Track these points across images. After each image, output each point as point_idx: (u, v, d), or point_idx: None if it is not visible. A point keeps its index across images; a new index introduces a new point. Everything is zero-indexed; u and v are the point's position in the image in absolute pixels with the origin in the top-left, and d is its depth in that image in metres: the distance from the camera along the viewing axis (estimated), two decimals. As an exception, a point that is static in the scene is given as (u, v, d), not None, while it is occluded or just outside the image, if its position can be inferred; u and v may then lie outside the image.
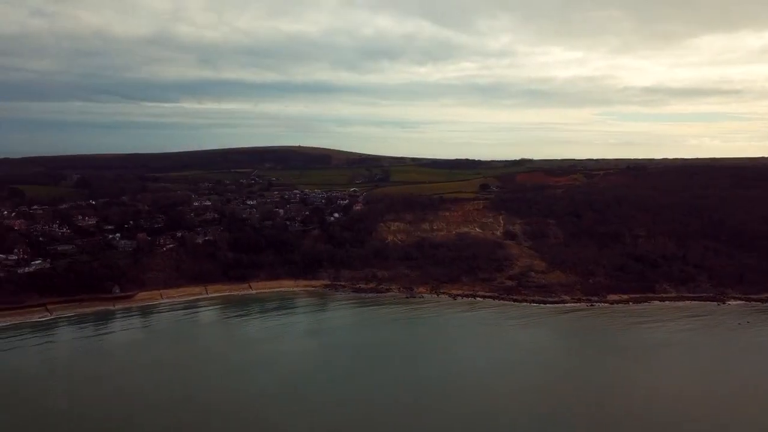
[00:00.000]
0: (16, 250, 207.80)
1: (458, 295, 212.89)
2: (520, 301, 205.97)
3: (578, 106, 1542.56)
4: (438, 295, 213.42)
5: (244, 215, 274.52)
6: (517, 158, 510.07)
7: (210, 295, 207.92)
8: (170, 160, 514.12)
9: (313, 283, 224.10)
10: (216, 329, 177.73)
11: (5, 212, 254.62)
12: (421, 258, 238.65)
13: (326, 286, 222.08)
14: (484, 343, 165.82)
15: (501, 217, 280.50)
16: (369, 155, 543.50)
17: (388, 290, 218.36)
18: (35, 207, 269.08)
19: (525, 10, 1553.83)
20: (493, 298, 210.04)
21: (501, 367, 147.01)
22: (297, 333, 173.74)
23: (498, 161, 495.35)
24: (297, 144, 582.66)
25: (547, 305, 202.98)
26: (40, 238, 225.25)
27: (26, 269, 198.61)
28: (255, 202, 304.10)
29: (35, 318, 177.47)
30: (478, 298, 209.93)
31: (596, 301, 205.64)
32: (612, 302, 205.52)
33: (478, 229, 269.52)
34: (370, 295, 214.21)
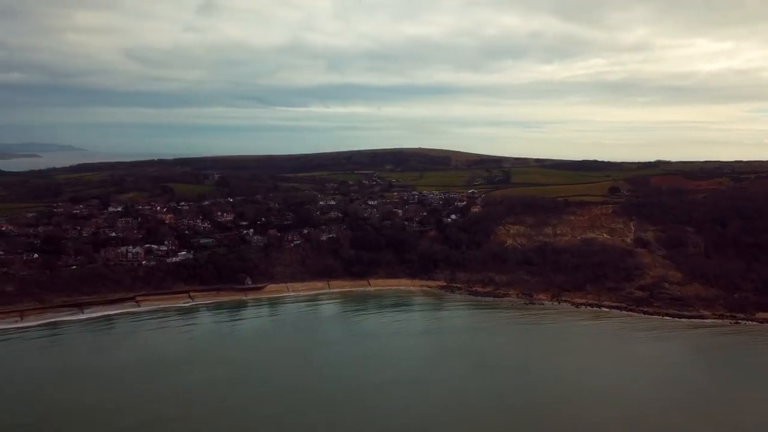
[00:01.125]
0: (166, 242, 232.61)
1: (581, 303, 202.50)
2: (651, 314, 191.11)
3: (725, 102, 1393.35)
4: (559, 303, 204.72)
5: (365, 215, 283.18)
6: (652, 160, 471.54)
7: (331, 290, 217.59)
8: (299, 162, 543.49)
9: (429, 283, 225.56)
10: (335, 322, 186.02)
11: (158, 207, 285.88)
12: (542, 263, 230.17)
13: (442, 287, 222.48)
14: (607, 356, 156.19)
15: (632, 222, 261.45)
16: (489, 156, 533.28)
17: (505, 295, 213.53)
18: (182, 203, 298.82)
19: (663, 1, 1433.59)
20: (621, 309, 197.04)
21: (625, 384, 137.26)
22: (412, 331, 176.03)
23: (630, 163, 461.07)
24: (417, 146, 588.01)
25: (682, 319, 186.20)
26: (186, 232, 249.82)
27: (173, 259, 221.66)
28: (376, 202, 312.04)
29: (180, 303, 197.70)
30: (603, 308, 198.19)
31: (742, 319, 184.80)
32: (762, 321, 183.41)
33: (605, 235, 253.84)
34: (487, 298, 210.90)
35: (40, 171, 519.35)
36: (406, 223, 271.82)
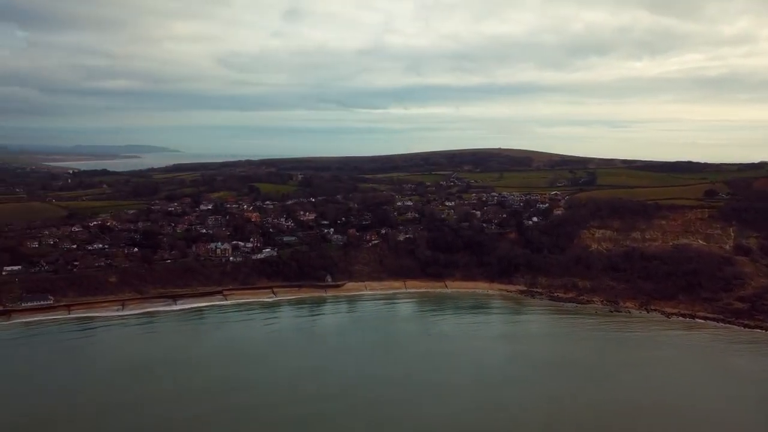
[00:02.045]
0: (252, 239, 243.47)
1: (673, 313, 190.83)
2: (753, 327, 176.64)
3: None
4: (648, 312, 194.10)
5: (442, 216, 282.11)
6: (756, 161, 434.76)
7: (408, 290, 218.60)
8: (378, 163, 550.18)
9: (508, 287, 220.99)
10: (412, 322, 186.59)
11: (245, 206, 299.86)
12: (630, 270, 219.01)
13: (521, 291, 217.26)
14: (704, 369, 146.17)
15: (731, 228, 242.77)
16: (573, 157, 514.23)
17: (589, 301, 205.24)
18: (267, 202, 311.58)
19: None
20: (717, 320, 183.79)
21: (729, 400, 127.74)
22: (488, 334, 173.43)
23: (729, 164, 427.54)
24: (497, 146, 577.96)
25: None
26: (270, 230, 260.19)
27: (258, 256, 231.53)
28: (453, 203, 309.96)
29: (264, 298, 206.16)
30: (697, 320, 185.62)
31: None
32: None
33: (701, 241, 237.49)
34: (569, 305, 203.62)
35: (140, 171, 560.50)
36: (484, 224, 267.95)
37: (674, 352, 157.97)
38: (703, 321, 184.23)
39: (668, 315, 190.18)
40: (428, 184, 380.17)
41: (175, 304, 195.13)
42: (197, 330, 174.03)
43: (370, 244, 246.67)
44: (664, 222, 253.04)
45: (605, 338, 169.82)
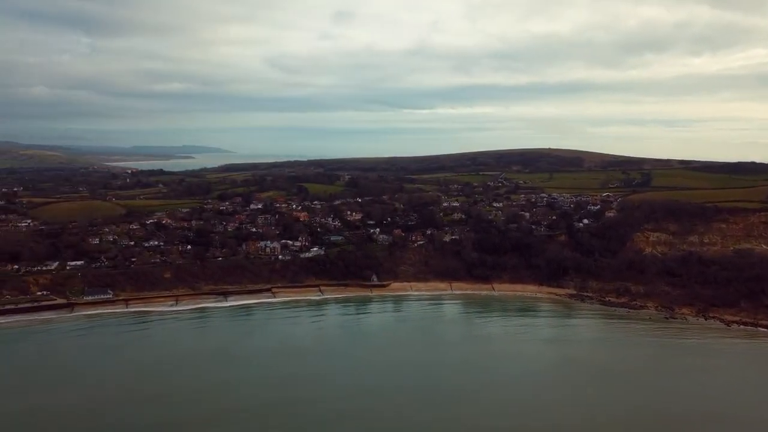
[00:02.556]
0: (300, 238, 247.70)
1: (733, 321, 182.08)
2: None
3: None
4: (706, 319, 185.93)
5: (489, 217, 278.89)
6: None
7: (454, 292, 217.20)
8: (424, 163, 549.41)
9: (557, 290, 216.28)
10: (458, 323, 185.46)
11: (294, 206, 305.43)
12: (686, 275, 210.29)
13: (571, 295, 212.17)
14: (762, 383, 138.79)
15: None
16: (626, 157, 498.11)
17: (642, 307, 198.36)
18: (315, 202, 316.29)
19: None
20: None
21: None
22: (536, 337, 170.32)
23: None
24: (547, 146, 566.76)
25: None
26: (318, 229, 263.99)
27: (306, 255, 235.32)
28: (501, 204, 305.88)
29: (311, 296, 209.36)
30: (760, 328, 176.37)
31: None
32: None
33: (765, 246, 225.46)
34: (621, 310, 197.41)
35: (193, 171, 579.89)
36: (533, 226, 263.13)
37: (734, 361, 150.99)
38: (766, 330, 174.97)
39: (728, 323, 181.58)
40: (475, 184, 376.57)
41: (226, 301, 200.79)
42: (247, 326, 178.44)
43: (416, 244, 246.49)
44: (724, 225, 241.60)
45: (659, 344, 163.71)
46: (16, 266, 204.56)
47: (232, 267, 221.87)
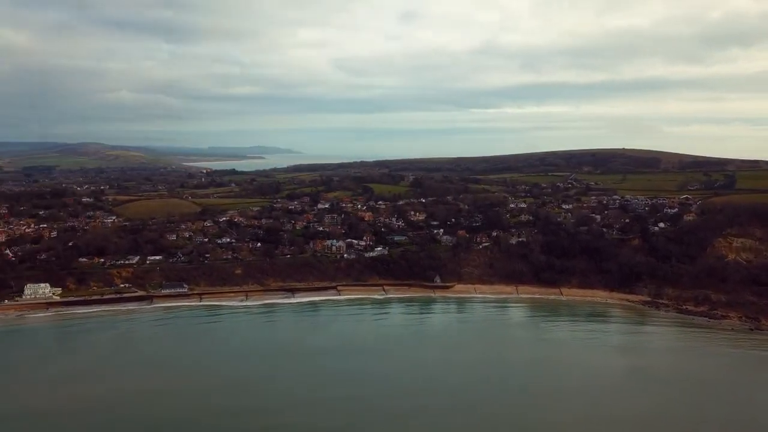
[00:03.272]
0: (364, 238, 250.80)
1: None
2: None
3: None
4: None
5: (558, 219, 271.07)
6: None
7: (519, 296, 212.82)
8: (490, 163, 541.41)
9: (630, 297, 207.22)
10: (524, 328, 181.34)
11: (359, 206, 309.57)
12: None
13: (645, 302, 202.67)
14: None
15: None
16: (708, 158, 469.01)
17: (724, 317, 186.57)
18: (380, 202, 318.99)
19: None
20: None
21: None
22: (605, 345, 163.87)
23: None
24: (621, 146, 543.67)
25: None
26: (382, 229, 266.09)
27: (370, 254, 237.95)
28: (570, 206, 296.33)
29: (375, 295, 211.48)
30: None
31: None
32: None
33: None
34: (700, 319, 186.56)
35: (264, 171, 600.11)
36: (604, 229, 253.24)
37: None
38: None
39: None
40: (544, 185, 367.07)
41: (293, 297, 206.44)
42: (313, 322, 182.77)
43: (481, 246, 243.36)
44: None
45: (742, 356, 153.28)
46: (102, 260, 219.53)
47: (300, 264, 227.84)
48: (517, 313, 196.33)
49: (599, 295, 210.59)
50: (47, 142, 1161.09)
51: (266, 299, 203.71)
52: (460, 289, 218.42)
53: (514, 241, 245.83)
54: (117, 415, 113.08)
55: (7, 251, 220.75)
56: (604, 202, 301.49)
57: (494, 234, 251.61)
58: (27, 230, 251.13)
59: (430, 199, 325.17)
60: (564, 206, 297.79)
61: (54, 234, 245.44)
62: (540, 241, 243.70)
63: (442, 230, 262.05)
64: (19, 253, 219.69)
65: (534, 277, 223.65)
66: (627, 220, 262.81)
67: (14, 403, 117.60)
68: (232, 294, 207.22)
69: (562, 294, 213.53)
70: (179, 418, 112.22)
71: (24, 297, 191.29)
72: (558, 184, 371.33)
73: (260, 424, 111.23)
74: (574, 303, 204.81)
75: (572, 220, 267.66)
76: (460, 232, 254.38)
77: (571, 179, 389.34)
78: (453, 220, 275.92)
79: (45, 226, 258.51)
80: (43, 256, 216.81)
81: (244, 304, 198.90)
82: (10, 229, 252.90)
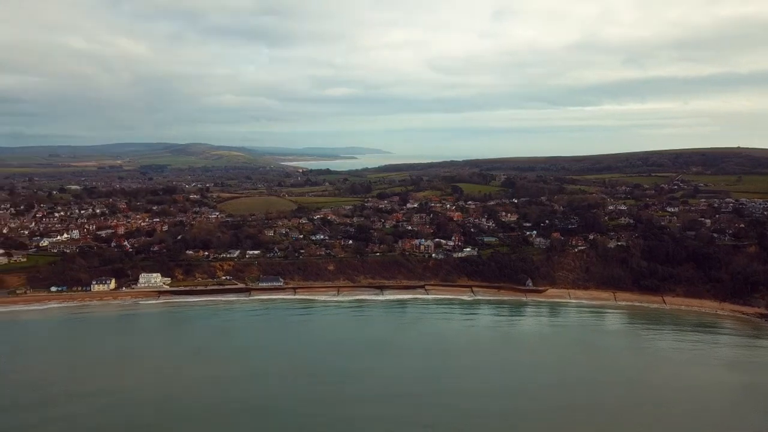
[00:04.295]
0: (453, 238, 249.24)
1: None
2: None
3: None
4: None
5: (662, 223, 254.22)
6: None
7: (618, 303, 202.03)
8: (587, 163, 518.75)
9: (744, 309, 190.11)
10: (620, 336, 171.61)
11: (448, 205, 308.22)
12: None
13: (762, 315, 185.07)
14: None
15: None
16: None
17: None
18: (470, 202, 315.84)
19: None
20: None
21: None
22: (714, 360, 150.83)
23: None
24: (735, 145, 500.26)
25: None
26: (472, 229, 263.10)
27: (459, 254, 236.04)
28: (676, 209, 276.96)
29: (463, 296, 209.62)
30: None
31: None
32: None
33: None
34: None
35: (356, 171, 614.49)
36: (715, 235, 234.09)
37: None
38: None
39: None
40: (646, 186, 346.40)
41: (382, 294, 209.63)
42: (401, 319, 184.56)
43: (576, 249, 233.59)
44: None
45: None
46: (206, 253, 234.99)
47: (389, 263, 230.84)
48: (614, 321, 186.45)
49: (708, 306, 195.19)
50: (160, 143, 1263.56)
51: (356, 295, 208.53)
52: (553, 294, 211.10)
53: (612, 245, 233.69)
54: (226, 395, 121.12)
55: (126, 243, 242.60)
56: (715, 205, 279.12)
57: (591, 237, 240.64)
58: (142, 224, 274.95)
59: (523, 199, 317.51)
60: (669, 209, 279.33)
61: (165, 228, 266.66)
62: (641, 245, 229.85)
63: (534, 232, 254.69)
64: (135, 245, 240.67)
65: (634, 284, 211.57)
66: (742, 225, 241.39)
67: (137, 382, 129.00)
68: (325, 289, 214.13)
69: (665, 303, 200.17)
70: (270, 403, 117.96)
71: (138, 285, 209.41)
72: (662, 185, 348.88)
73: (345, 413, 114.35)
74: (679, 313, 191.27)
75: (678, 224, 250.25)
76: (554, 235, 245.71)
77: (677, 180, 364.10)
78: (546, 221, 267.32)
79: (158, 220, 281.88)
80: (156, 248, 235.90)
81: (336, 299, 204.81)
82: (129, 222, 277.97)
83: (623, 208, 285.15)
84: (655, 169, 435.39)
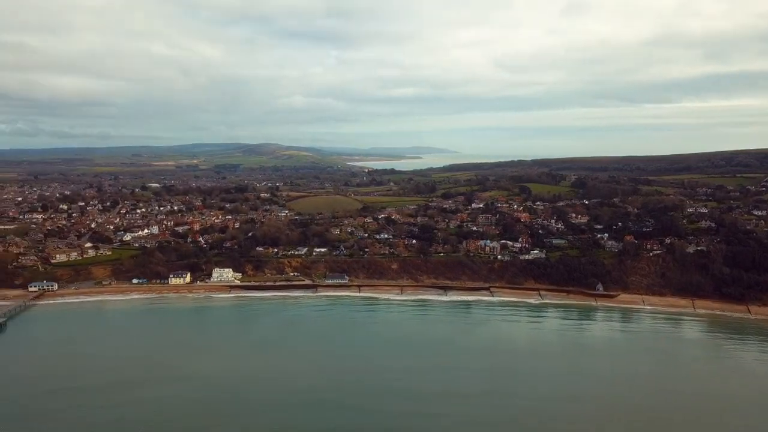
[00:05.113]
0: (520, 239, 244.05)
1: None
2: None
3: None
4: None
5: (748, 227, 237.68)
6: None
7: (696, 311, 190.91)
8: (664, 163, 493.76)
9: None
10: (700, 348, 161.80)
11: (515, 206, 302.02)
12: None
13: None
14: None
15: None
16: None
17: None
18: (538, 203, 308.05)
19: None
20: None
21: None
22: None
23: None
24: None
25: None
26: (540, 231, 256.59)
27: (526, 256, 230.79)
28: (764, 212, 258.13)
29: (529, 299, 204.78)
30: None
31: None
32: None
33: None
34: None
35: (420, 170, 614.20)
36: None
37: None
38: None
39: None
40: (730, 188, 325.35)
41: (446, 295, 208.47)
42: (466, 321, 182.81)
43: (651, 254, 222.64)
44: None
45: None
46: (275, 250, 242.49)
47: (453, 263, 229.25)
48: (693, 330, 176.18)
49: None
50: (233, 143, 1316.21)
51: (420, 295, 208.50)
52: (626, 299, 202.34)
53: (691, 249, 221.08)
54: (292, 385, 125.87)
55: (200, 239, 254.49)
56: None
57: (667, 241, 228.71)
58: (216, 221, 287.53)
59: (594, 200, 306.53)
60: (756, 212, 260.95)
61: (237, 225, 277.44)
62: (723, 251, 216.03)
63: (606, 235, 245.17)
64: (209, 241, 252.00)
65: (715, 292, 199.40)
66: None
67: (210, 370, 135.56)
68: (388, 288, 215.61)
69: (749, 312, 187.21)
70: (333, 396, 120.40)
71: (212, 279, 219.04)
72: (748, 186, 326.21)
73: (402, 409, 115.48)
74: (766, 324, 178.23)
75: (766, 229, 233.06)
76: (628, 238, 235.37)
77: (765, 182, 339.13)
78: (619, 224, 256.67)
79: (230, 217, 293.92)
80: (228, 244, 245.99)
81: (399, 298, 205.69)
82: (204, 219, 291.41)
83: (704, 210, 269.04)
84: (740, 169, 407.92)
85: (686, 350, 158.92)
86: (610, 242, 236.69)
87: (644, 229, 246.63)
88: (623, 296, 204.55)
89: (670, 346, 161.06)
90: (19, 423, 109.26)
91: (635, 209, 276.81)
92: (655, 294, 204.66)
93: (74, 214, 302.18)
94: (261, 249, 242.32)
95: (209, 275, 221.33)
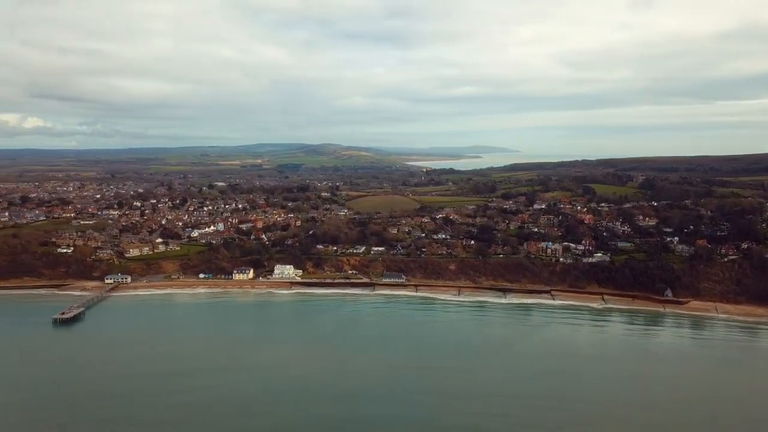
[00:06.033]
0: (583, 242, 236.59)
1: None
2: None
3: None
4: None
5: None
6: None
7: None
8: (742, 163, 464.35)
9: None
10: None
11: (579, 207, 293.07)
12: None
13: None
14: None
15: None
16: None
17: None
18: (602, 204, 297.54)
19: None
20: None
21: None
22: None
23: None
24: None
25: None
26: (604, 233, 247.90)
27: (589, 259, 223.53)
28: None
29: (592, 304, 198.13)
30: None
31: None
32: None
33: None
34: None
35: (480, 170, 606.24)
36: None
37: None
38: None
39: None
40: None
41: (505, 297, 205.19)
42: (525, 323, 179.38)
43: (726, 259, 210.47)
44: None
45: None
46: (335, 248, 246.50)
47: (512, 265, 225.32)
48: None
49: None
50: (295, 143, 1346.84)
51: (478, 296, 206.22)
52: (697, 307, 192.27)
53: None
54: (351, 382, 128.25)
55: (263, 236, 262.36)
56: None
57: (744, 246, 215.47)
58: (278, 219, 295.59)
59: (663, 202, 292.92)
60: None
61: (298, 223, 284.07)
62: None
63: (676, 238, 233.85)
64: (272, 238, 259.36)
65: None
66: None
67: (271, 362, 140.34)
68: (446, 288, 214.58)
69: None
70: (389, 392, 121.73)
71: (273, 276, 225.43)
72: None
73: (461, 408, 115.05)
74: None
75: None
76: (700, 242, 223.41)
77: None
78: (691, 227, 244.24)
79: (292, 215, 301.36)
80: (290, 241, 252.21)
81: (457, 299, 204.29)
82: (266, 217, 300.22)
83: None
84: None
85: (764, 361, 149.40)
86: (680, 246, 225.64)
87: (718, 233, 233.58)
88: (694, 303, 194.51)
89: (745, 356, 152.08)
90: (91, 402, 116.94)
91: (709, 212, 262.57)
92: (730, 302, 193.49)
93: (147, 211, 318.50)
94: (321, 247, 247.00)
95: (271, 271, 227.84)
